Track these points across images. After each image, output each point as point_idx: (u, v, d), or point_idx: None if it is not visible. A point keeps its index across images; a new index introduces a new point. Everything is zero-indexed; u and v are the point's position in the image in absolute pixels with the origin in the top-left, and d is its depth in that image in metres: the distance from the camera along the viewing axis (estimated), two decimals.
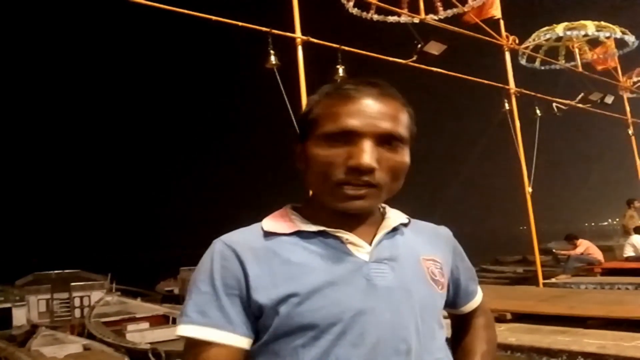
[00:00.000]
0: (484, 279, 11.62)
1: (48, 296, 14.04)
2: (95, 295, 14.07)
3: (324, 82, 1.03)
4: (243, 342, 0.89)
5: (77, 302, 14.14)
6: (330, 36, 6.34)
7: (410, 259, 0.98)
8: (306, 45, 6.11)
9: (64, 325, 12.61)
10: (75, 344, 9.50)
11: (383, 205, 1.05)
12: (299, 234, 0.95)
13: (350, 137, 0.91)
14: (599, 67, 12.08)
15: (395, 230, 1.01)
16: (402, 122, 0.95)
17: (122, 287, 15.55)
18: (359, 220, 0.97)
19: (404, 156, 0.95)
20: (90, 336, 10.37)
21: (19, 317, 12.88)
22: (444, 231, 1.13)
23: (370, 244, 0.96)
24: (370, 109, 0.92)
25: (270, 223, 0.98)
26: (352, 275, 0.91)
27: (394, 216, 1.03)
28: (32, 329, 11.63)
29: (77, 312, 13.89)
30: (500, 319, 3.95)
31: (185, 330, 0.89)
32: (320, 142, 0.93)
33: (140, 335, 10.08)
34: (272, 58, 5.62)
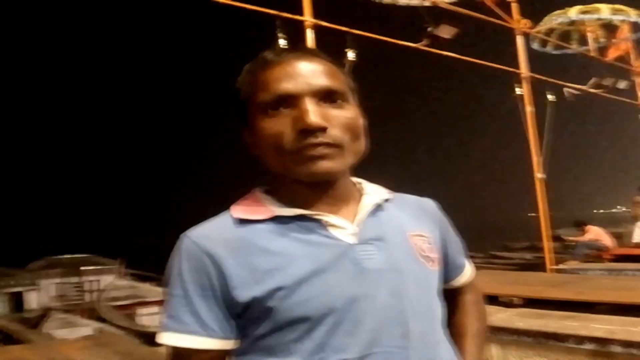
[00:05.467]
0: (492, 265, 11.62)
1: (59, 280, 14.18)
2: (106, 279, 14.23)
3: None
4: (220, 344, 0.85)
5: (88, 286, 14.27)
6: (340, 20, 6.30)
7: (396, 236, 0.93)
8: (316, 29, 6.08)
9: (75, 308, 12.77)
10: (87, 327, 9.63)
11: (359, 180, 1.00)
12: (274, 219, 0.89)
13: (289, 101, 0.86)
14: (610, 57, 11.88)
15: (377, 207, 0.95)
16: (336, 77, 0.90)
17: (133, 271, 15.70)
18: (336, 198, 0.92)
19: (352, 112, 0.90)
20: (101, 320, 10.51)
21: (31, 300, 13.05)
22: (429, 203, 1.08)
23: (352, 224, 0.90)
24: (300, 69, 0.88)
25: (240, 210, 0.91)
26: (339, 261, 0.85)
27: (374, 192, 0.98)
28: (44, 313, 11.79)
29: (88, 296, 14.04)
30: (509, 304, 3.95)
31: (162, 338, 0.85)
32: (260, 116, 0.88)
33: (150, 319, 10.21)
34: (281, 42, 5.59)
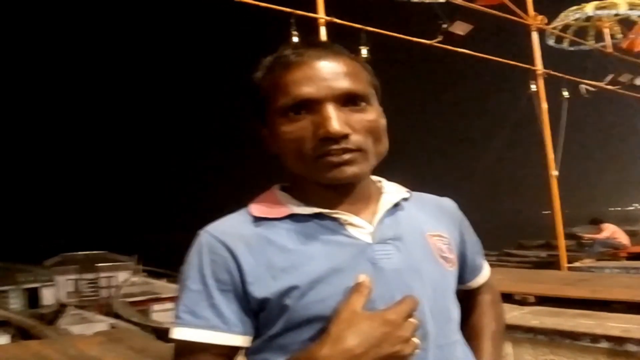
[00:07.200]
0: (507, 263, 11.54)
1: (76, 276, 14.33)
2: (122, 276, 14.37)
3: None
4: (239, 340, 0.83)
5: (103, 282, 14.41)
6: (354, 17, 6.28)
7: (415, 236, 0.92)
8: (330, 26, 6.07)
9: (91, 304, 12.91)
10: (102, 323, 9.74)
11: (379, 179, 0.99)
12: (292, 217, 0.87)
13: (310, 106, 0.83)
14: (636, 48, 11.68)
15: (396, 206, 0.93)
16: (359, 78, 0.87)
17: (148, 268, 15.83)
18: (355, 197, 0.90)
19: (374, 114, 0.87)
20: (117, 316, 10.62)
21: (48, 296, 13.20)
22: (449, 203, 1.06)
23: (370, 223, 0.89)
24: (321, 71, 0.84)
25: (259, 207, 0.90)
26: (356, 260, 0.84)
27: (393, 191, 0.96)
28: (60, 308, 11.94)
29: (104, 292, 14.18)
30: (523, 302, 3.92)
31: (177, 333, 0.83)
32: (281, 120, 0.85)
33: (165, 315, 10.30)
34: (295, 39, 5.59)
